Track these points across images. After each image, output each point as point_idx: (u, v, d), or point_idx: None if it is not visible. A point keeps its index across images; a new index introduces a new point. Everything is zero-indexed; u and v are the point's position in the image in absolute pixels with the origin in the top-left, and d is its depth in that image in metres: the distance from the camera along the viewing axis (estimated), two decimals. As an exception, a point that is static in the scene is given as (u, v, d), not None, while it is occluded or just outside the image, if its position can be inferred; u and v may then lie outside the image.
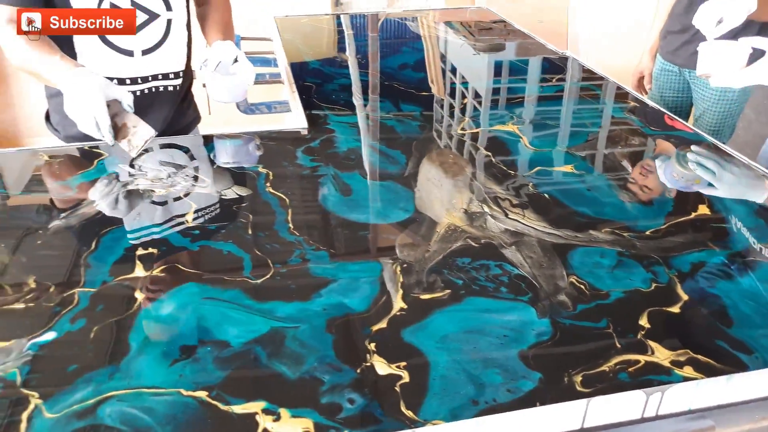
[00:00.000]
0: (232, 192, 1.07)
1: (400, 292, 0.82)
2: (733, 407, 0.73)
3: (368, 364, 0.71)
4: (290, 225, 0.98)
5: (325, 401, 0.66)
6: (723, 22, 1.24)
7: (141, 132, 1.11)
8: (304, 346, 0.74)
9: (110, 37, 1.23)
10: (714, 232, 0.99)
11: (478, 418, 0.65)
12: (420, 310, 0.79)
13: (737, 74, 1.19)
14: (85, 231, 0.98)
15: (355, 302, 0.81)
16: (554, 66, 1.78)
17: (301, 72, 1.66)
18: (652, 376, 0.69)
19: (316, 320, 0.78)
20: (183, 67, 1.37)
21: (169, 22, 1.29)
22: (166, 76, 1.34)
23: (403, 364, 0.71)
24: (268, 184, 1.10)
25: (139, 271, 0.88)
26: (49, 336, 0.76)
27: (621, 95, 1.54)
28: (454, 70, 1.77)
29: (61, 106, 1.31)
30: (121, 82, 1.27)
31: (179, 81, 1.37)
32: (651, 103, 1.47)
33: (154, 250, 0.92)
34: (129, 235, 0.97)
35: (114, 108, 1.11)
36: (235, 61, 1.32)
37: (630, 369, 0.70)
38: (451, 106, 1.50)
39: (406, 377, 0.69)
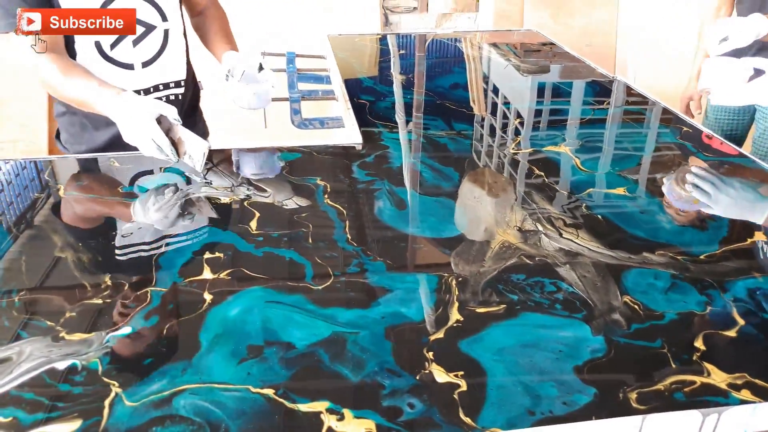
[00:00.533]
0: (293, 202, 1.12)
1: (456, 304, 0.85)
2: (790, 433, 0.73)
3: (427, 371, 0.74)
4: (348, 236, 1.02)
5: (387, 404, 0.70)
6: (728, 41, 1.27)
7: (196, 145, 1.14)
8: (365, 351, 0.77)
9: (110, 53, 1.26)
10: (770, 259, 0.99)
11: (535, 428, 0.67)
12: (476, 323, 0.81)
13: (737, 92, 1.21)
14: (154, 234, 1.04)
15: (412, 312, 0.84)
16: (604, 89, 1.79)
17: (354, 89, 1.72)
18: (708, 397, 0.70)
19: (375, 327, 0.81)
20: (184, 76, 1.40)
21: (166, 32, 1.32)
22: (167, 86, 1.38)
23: (461, 373, 0.73)
24: (326, 196, 1.14)
25: (207, 273, 0.93)
26: (126, 330, 0.82)
27: (672, 120, 1.55)
28: (496, 91, 1.80)
29: (69, 125, 1.36)
30: None
31: (182, 90, 1.41)
32: (704, 129, 1.47)
33: (221, 255, 0.97)
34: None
35: (165, 124, 1.14)
36: (260, 68, 1.34)
37: (685, 389, 0.71)
38: (495, 126, 1.53)
39: (463, 386, 0.72)
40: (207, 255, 0.97)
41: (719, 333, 0.80)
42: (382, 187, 1.18)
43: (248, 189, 1.17)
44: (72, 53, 1.25)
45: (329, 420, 0.68)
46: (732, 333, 0.80)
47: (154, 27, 1.30)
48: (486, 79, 1.92)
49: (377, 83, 1.81)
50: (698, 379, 0.73)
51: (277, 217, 1.08)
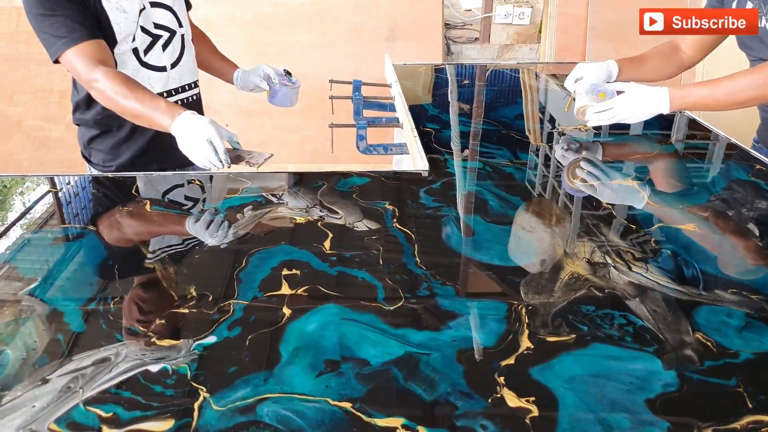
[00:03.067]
0: (363, 225, 1.17)
1: (526, 332, 0.87)
2: None
3: (498, 395, 0.76)
4: (417, 259, 1.06)
5: (460, 424, 0.72)
6: (582, 79, 1.48)
7: (258, 156, 1.28)
8: (437, 373, 0.80)
9: (144, 58, 1.41)
10: None
11: (608, 457, 0.68)
12: (546, 351, 0.83)
13: (600, 106, 1.40)
14: (236, 249, 1.10)
15: (483, 337, 0.86)
16: (666, 121, 1.79)
17: (419, 117, 1.77)
18: (787, 439, 0.70)
19: (446, 350, 0.84)
20: (197, 77, 1.58)
21: (182, 37, 1.47)
22: (190, 86, 1.53)
23: (532, 399, 0.75)
24: (395, 220, 1.19)
25: (285, 289, 0.98)
26: (211, 339, 0.87)
27: (741, 156, 1.53)
28: (553, 121, 1.82)
29: (103, 145, 1.49)
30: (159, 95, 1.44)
31: (197, 90, 1.58)
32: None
33: (297, 272, 1.02)
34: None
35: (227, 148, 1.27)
36: (288, 73, 1.60)
37: (763, 429, 0.71)
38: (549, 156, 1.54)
39: (535, 411, 0.74)
40: (285, 272, 1.02)
41: (797, 375, 0.79)
42: (449, 213, 1.21)
43: (321, 211, 1.22)
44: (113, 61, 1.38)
45: (405, 436, 0.71)
46: (811, 376, 0.79)
47: (175, 32, 1.46)
48: (542, 109, 1.94)
49: (442, 112, 1.86)
50: (776, 421, 0.72)
51: (348, 238, 1.13)
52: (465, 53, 3.33)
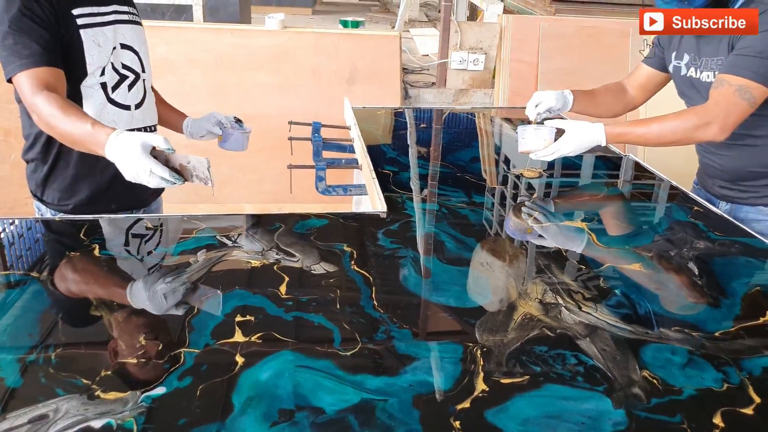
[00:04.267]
0: (321, 267, 1.17)
1: (481, 374, 0.88)
2: None
3: (454, 440, 0.76)
4: (374, 302, 1.06)
5: (415, 472, 0.71)
6: (541, 104, 1.61)
7: (197, 165, 1.27)
8: (393, 419, 0.79)
9: (112, 95, 1.43)
10: (784, 338, 1.01)
11: (562, 501, 0.68)
12: (501, 393, 0.84)
13: (546, 150, 1.49)
14: (187, 295, 1.08)
15: (439, 381, 0.87)
16: (613, 164, 1.86)
17: (378, 159, 1.79)
18: (731, 476, 0.72)
19: (403, 395, 0.84)
20: (157, 121, 1.61)
21: (144, 81, 1.51)
22: (152, 128, 1.56)
23: (487, 443, 0.76)
24: (352, 262, 1.19)
25: (238, 336, 0.96)
26: (160, 390, 0.84)
27: (683, 199, 1.60)
28: (507, 162, 1.88)
29: (60, 181, 1.46)
30: None
31: (156, 132, 1.58)
32: (713, 209, 1.52)
33: (252, 318, 1.01)
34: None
35: (161, 156, 1.25)
36: (239, 121, 1.66)
37: (708, 467, 0.73)
38: (514, 197, 1.59)
39: (490, 456, 0.74)
40: (238, 318, 1.01)
41: (736, 410, 0.82)
42: (406, 254, 1.23)
43: (277, 253, 1.22)
44: (78, 95, 1.37)
45: (360, 486, 0.69)
46: (749, 411, 0.82)
47: (139, 75, 1.49)
48: (498, 151, 2.00)
49: (400, 155, 1.89)
50: (720, 457, 0.74)
51: (305, 281, 1.13)
52: (422, 97, 3.42)
